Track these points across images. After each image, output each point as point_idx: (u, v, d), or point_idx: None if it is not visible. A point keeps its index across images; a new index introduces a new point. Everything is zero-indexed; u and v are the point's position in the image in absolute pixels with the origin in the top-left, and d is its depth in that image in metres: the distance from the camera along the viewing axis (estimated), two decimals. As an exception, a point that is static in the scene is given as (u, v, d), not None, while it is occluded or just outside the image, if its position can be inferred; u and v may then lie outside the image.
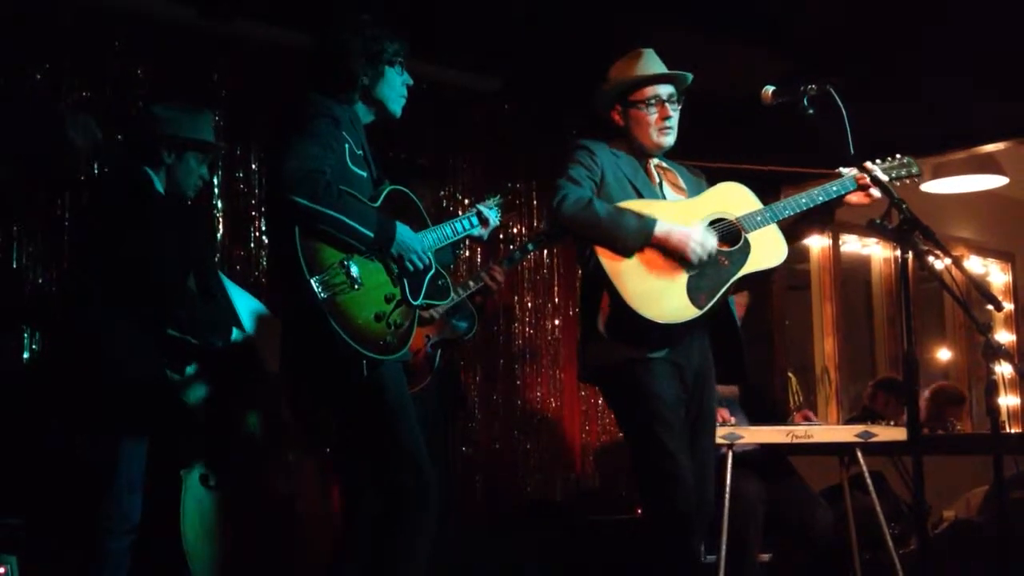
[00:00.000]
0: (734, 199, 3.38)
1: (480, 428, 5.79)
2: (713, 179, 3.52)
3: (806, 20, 3.16)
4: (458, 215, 3.47)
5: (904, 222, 2.81)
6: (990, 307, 2.84)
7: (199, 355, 3.40)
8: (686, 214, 3.30)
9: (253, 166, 5.01)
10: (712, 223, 3.30)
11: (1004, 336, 7.91)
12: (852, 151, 3.00)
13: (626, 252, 3.18)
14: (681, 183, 3.47)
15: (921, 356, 7.43)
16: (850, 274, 7.41)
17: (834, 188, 3.38)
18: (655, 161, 3.45)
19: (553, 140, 6.19)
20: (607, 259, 3.19)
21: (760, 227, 3.31)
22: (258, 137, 4.99)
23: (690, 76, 3.41)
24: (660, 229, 3.18)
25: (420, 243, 3.06)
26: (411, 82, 3.20)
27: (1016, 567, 3.26)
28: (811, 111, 3.09)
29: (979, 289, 2.83)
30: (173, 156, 3.45)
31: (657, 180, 3.42)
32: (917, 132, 3.44)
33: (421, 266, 3.03)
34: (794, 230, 3.42)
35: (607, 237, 3.19)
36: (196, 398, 3.42)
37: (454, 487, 4.80)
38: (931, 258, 2.82)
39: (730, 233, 3.31)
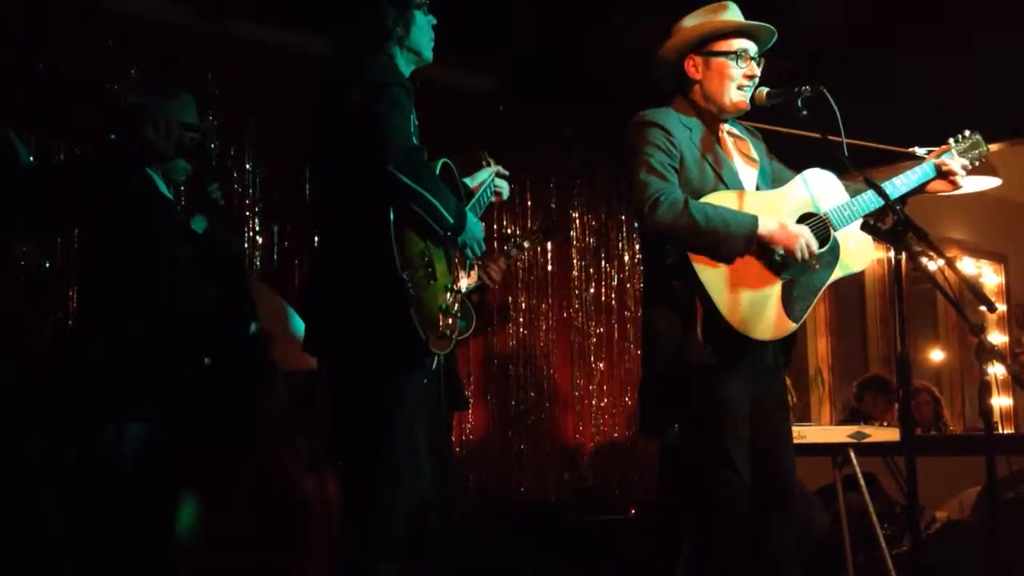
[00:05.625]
0: (821, 189, 3.12)
1: (474, 428, 5.80)
2: (772, 147, 3.31)
3: (804, 19, 3.14)
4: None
5: (898, 223, 2.81)
6: (983, 308, 2.84)
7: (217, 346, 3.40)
8: (773, 207, 3.08)
9: (247, 166, 5.00)
10: (801, 219, 3.08)
11: (997, 337, 7.92)
12: (846, 153, 2.99)
13: (727, 258, 2.98)
14: (752, 153, 3.22)
15: (914, 357, 7.44)
16: (843, 275, 7.40)
17: (915, 176, 3.17)
18: (727, 127, 3.20)
19: (548, 140, 6.23)
20: (702, 266, 2.97)
21: (848, 223, 3.08)
22: (252, 138, 4.99)
23: (775, 35, 3.15)
24: (763, 229, 2.97)
25: (481, 229, 2.97)
26: (435, 21, 3.04)
27: (1008, 568, 3.26)
28: (805, 113, 3.01)
29: (972, 290, 2.83)
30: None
31: (732, 152, 3.18)
32: (910, 133, 3.41)
33: (480, 254, 2.97)
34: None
35: (708, 244, 2.97)
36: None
37: (445, 487, 4.79)
38: (924, 259, 2.82)
39: (820, 231, 3.07)
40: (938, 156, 3.28)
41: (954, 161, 3.25)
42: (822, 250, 3.07)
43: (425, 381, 2.88)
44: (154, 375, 3.28)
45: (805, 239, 2.98)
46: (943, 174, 3.25)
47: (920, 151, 3.27)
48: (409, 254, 2.75)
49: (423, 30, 3.01)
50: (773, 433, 3.15)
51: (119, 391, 3.25)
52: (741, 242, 2.97)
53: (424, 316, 2.75)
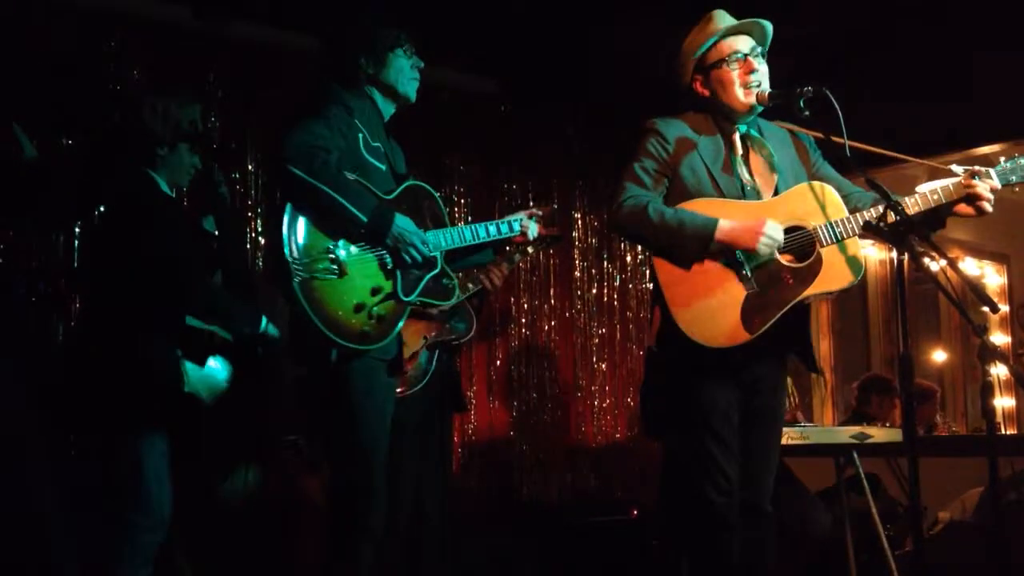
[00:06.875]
0: (817, 203, 3.07)
1: (476, 429, 5.79)
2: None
3: (805, 20, 3.13)
4: (493, 219, 3.41)
5: (900, 223, 2.81)
6: (985, 309, 2.84)
7: (222, 348, 3.40)
8: (756, 217, 3.02)
9: (249, 167, 5.00)
10: (785, 232, 3.03)
11: (999, 338, 7.90)
12: (848, 154, 2.97)
13: (685, 261, 3.00)
14: (770, 158, 3.15)
15: (916, 358, 7.42)
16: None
17: (933, 197, 3.03)
18: (742, 131, 3.16)
19: (550, 141, 6.23)
20: (662, 269, 3.01)
21: (838, 240, 3.01)
22: (253, 138, 4.98)
23: (769, 25, 3.13)
24: (722, 231, 2.95)
25: (421, 237, 3.00)
26: (421, 64, 3.20)
27: (1010, 569, 3.26)
28: (807, 113, 2.99)
29: (975, 291, 2.83)
30: (166, 148, 3.45)
31: (740, 152, 3.13)
32: (913, 134, 3.40)
33: (420, 259, 2.98)
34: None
35: (663, 246, 3.01)
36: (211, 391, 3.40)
37: (446, 488, 4.79)
38: (927, 260, 2.81)
39: (802, 246, 3.04)
40: (972, 176, 3.04)
41: (983, 184, 3.02)
42: (799, 265, 3.03)
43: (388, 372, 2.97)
44: (163, 375, 3.28)
45: (768, 234, 2.94)
46: (968, 197, 3.04)
47: (958, 169, 3.09)
48: (306, 244, 2.84)
49: (401, 71, 3.16)
50: (755, 442, 3.13)
51: (129, 391, 3.25)
52: (696, 242, 2.97)
53: (322, 308, 2.83)
